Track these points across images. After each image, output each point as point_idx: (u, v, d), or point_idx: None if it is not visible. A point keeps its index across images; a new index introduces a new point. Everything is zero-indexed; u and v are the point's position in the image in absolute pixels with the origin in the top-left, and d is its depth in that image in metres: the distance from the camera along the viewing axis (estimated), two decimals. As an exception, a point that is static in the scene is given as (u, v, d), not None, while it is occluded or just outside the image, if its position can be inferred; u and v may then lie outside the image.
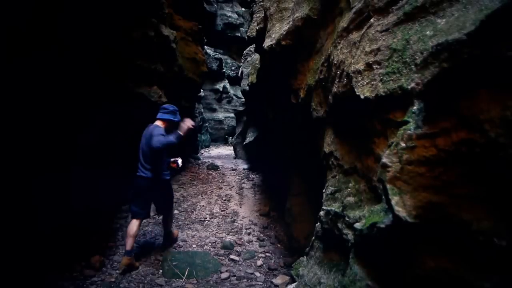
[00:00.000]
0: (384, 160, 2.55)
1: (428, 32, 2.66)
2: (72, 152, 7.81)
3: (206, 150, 27.63)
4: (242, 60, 19.05)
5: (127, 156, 9.76)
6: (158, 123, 7.03)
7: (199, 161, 20.21)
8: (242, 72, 18.70)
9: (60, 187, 7.48)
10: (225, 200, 12.81)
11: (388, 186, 2.52)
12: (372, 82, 3.18)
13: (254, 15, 9.75)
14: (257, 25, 8.72)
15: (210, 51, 31.41)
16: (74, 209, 8.19)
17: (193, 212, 10.96)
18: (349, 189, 3.93)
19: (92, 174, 8.67)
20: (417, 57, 2.62)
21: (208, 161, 20.55)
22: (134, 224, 6.87)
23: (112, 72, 8.64)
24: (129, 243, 6.81)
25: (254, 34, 9.18)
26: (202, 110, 27.07)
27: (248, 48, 18.71)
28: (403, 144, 2.45)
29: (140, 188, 6.89)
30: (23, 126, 6.00)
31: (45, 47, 6.13)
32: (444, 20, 2.59)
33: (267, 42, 6.65)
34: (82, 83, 7.49)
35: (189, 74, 13.63)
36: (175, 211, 10.84)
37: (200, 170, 17.42)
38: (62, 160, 7.46)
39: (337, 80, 4.13)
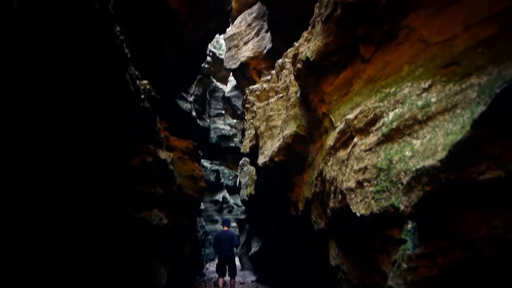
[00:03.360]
0: (390, 283, 2.57)
1: (407, 153, 2.89)
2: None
3: (211, 264, 26.63)
4: (239, 170, 19.54)
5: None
6: (227, 228, 13.25)
7: (205, 278, 19.37)
8: (240, 182, 19.02)
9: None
10: (236, 320, 12.01)
11: (399, 310, 2.50)
12: (365, 200, 3.33)
13: (246, 132, 10.37)
14: (250, 142, 9.22)
15: (206, 163, 32.30)
16: None
17: None
18: (363, 307, 3.82)
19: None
20: (401, 177, 2.81)
21: (214, 276, 19.66)
22: (221, 280, 12.86)
23: (112, 201, 8.80)
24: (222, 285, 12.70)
25: (248, 150, 9.67)
26: (204, 223, 26.79)
27: (243, 158, 19.34)
28: (404, 265, 2.50)
29: (222, 261, 12.79)
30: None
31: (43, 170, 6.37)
32: (419, 141, 2.85)
33: (261, 159, 6.97)
34: (77, 216, 7.58)
35: (188, 192, 13.85)
36: None
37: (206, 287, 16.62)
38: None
39: (332, 196, 4.29)
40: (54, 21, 5.65)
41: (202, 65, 25.48)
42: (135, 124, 9.55)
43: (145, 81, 10.64)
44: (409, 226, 2.58)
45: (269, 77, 9.74)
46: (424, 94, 3.02)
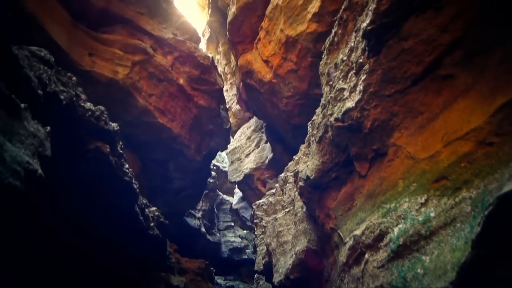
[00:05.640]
0: None
1: (419, 270, 2.94)
2: None
3: None
4: (255, 285, 18.65)
5: None
6: None
7: None
8: (257, 299, 18.01)
9: None
10: None
11: None
12: (388, 323, 3.25)
13: (257, 248, 10.28)
14: (262, 259, 9.10)
15: (220, 280, 30.79)
16: None
17: None
18: None
19: None
20: (420, 300, 2.81)
21: None
22: None
23: None
24: None
25: (262, 267, 9.47)
26: None
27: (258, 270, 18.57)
28: None
29: None
30: None
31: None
32: (428, 257, 2.92)
33: (276, 278, 6.83)
34: None
35: (204, 318, 13.12)
36: None
37: None
38: None
39: (356, 317, 4.16)
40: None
41: (208, 180, 26.11)
42: (146, 253, 9.52)
43: (153, 208, 10.87)
44: None
45: (274, 191, 10.00)
46: (422, 209, 3.17)
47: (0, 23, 3.36)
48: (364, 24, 3.91)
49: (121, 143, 7.58)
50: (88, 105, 6.45)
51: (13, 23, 3.92)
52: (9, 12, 3.48)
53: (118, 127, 7.36)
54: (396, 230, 3.43)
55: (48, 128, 4.18)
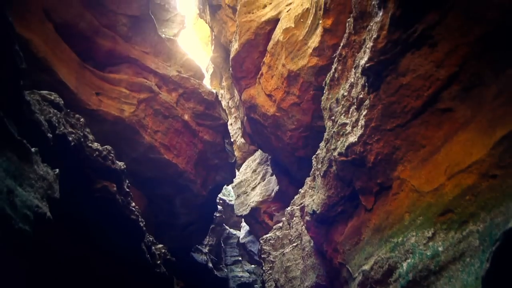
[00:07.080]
0: None
1: (431, 308, 2.90)
2: None
3: None
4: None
5: None
6: None
7: None
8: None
9: None
10: None
11: None
12: None
13: (266, 284, 10.10)
14: (272, 295, 8.91)
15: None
16: None
17: None
18: None
19: None
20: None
21: None
22: None
23: None
24: None
25: (271, 303, 9.25)
26: None
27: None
28: None
29: None
30: None
31: None
32: (438, 294, 2.89)
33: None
34: None
35: None
36: None
37: None
38: None
39: None
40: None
41: (214, 214, 25.92)
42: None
43: (160, 245, 10.78)
44: None
45: (280, 224, 9.94)
46: (430, 243, 3.16)
47: (16, 73, 3.52)
48: (363, 61, 4.03)
49: (127, 181, 7.64)
50: (96, 145, 6.56)
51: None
52: (23, 62, 3.63)
53: (125, 166, 7.44)
54: (405, 265, 3.41)
55: (57, 170, 4.26)
